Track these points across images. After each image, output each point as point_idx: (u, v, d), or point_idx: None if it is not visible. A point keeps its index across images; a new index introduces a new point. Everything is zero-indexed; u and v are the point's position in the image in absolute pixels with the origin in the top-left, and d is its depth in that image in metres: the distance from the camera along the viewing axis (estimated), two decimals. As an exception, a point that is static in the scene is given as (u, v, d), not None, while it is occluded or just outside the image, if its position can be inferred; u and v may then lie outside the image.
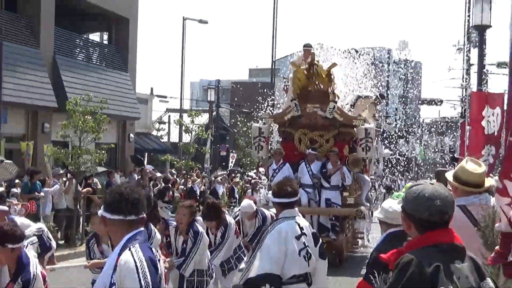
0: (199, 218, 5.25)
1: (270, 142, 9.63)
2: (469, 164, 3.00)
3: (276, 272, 3.33)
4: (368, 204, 9.70)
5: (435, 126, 14.27)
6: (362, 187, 9.59)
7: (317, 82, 8.90)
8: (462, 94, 14.72)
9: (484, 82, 13.70)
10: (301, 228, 3.53)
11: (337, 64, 9.02)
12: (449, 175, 3.16)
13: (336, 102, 8.87)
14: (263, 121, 9.66)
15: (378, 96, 10.64)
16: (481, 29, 11.56)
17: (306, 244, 3.50)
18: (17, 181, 9.96)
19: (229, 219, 5.51)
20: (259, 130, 9.32)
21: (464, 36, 16.55)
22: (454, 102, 16.60)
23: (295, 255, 3.42)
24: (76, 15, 18.45)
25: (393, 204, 2.72)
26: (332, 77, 8.93)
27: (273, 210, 4.99)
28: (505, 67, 12.94)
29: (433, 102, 19.97)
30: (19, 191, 9.62)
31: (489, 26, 11.65)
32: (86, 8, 18.01)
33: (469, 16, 14.78)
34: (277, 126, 9.51)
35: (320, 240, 3.75)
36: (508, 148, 2.23)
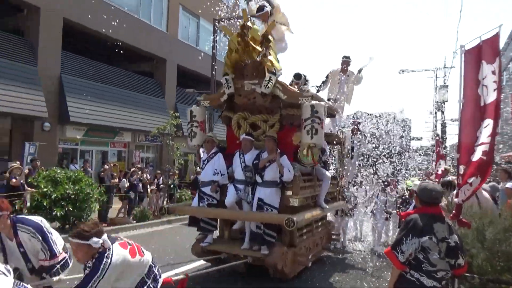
0: None
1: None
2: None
3: None
4: (327, 206, 6.14)
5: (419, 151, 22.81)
6: (321, 184, 6.01)
7: (251, 51, 5.44)
8: (432, 135, 24.28)
9: (444, 129, 23.81)
10: None
11: (275, 24, 5.71)
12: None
13: (274, 74, 5.32)
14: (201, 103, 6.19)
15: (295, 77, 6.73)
16: (442, 103, 23.09)
17: None
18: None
19: None
20: (191, 114, 6.04)
21: (433, 106, 25.89)
22: (429, 138, 26.68)
23: None
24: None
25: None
26: (270, 43, 5.43)
27: None
28: (456, 121, 27.16)
29: (417, 138, 31.34)
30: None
31: (447, 101, 22.70)
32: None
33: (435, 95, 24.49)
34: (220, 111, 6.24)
35: None
36: (476, 165, 3.43)
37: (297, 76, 6.57)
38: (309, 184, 5.77)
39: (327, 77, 7.60)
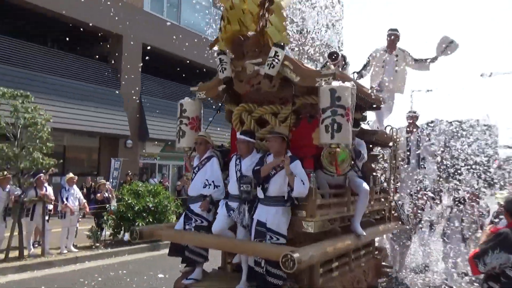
0: None
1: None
2: None
3: None
4: (364, 233, 3.99)
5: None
6: (356, 199, 4.00)
7: (250, 21, 3.72)
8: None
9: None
10: None
11: None
12: None
13: (282, 47, 3.53)
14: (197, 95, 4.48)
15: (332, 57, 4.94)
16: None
17: None
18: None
19: None
20: (180, 108, 4.36)
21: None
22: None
23: None
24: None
25: None
26: (271, 5, 3.53)
27: None
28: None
29: (508, 146, 27.99)
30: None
31: (543, 101, 20.02)
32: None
33: None
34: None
35: None
36: None
37: (334, 56, 4.71)
38: (336, 200, 3.78)
39: (368, 59, 5.72)
